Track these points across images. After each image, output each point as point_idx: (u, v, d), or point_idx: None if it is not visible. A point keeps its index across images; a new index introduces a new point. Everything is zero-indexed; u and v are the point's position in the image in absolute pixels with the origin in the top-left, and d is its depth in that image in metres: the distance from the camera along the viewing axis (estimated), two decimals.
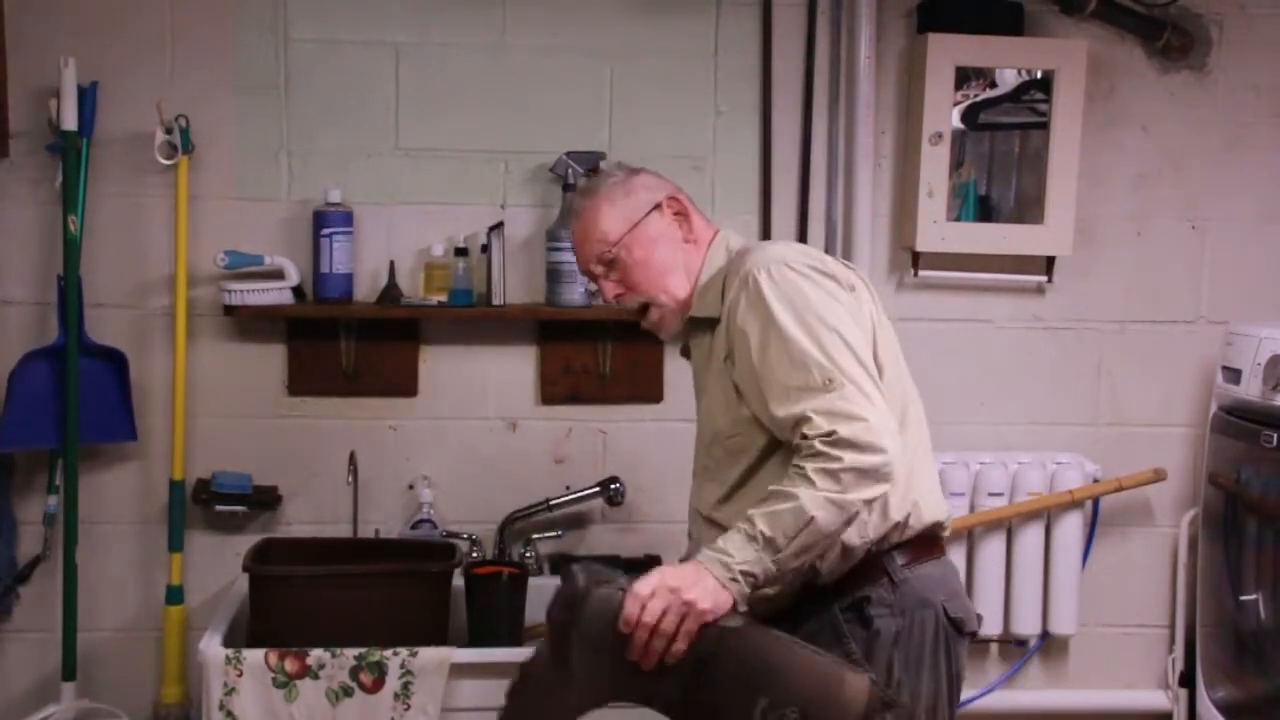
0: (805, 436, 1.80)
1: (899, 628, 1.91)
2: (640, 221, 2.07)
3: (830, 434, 1.78)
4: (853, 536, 1.89)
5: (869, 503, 1.83)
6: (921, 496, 1.96)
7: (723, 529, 1.85)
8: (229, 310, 2.96)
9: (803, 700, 1.72)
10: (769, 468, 1.92)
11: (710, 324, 2.02)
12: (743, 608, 1.80)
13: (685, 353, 2.18)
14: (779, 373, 1.86)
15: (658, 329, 2.13)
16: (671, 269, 2.07)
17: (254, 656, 2.53)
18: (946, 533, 2.02)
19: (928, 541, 1.98)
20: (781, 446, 1.90)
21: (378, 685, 2.54)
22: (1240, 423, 3.02)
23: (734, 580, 1.77)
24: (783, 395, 1.84)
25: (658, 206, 2.09)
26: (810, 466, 1.78)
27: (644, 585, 1.76)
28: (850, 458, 1.77)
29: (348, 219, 2.99)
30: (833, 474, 1.77)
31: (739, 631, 1.78)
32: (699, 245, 2.10)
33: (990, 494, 3.16)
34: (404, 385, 3.10)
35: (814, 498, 1.76)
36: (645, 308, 2.10)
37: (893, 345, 2.02)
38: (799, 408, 1.81)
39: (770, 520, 1.78)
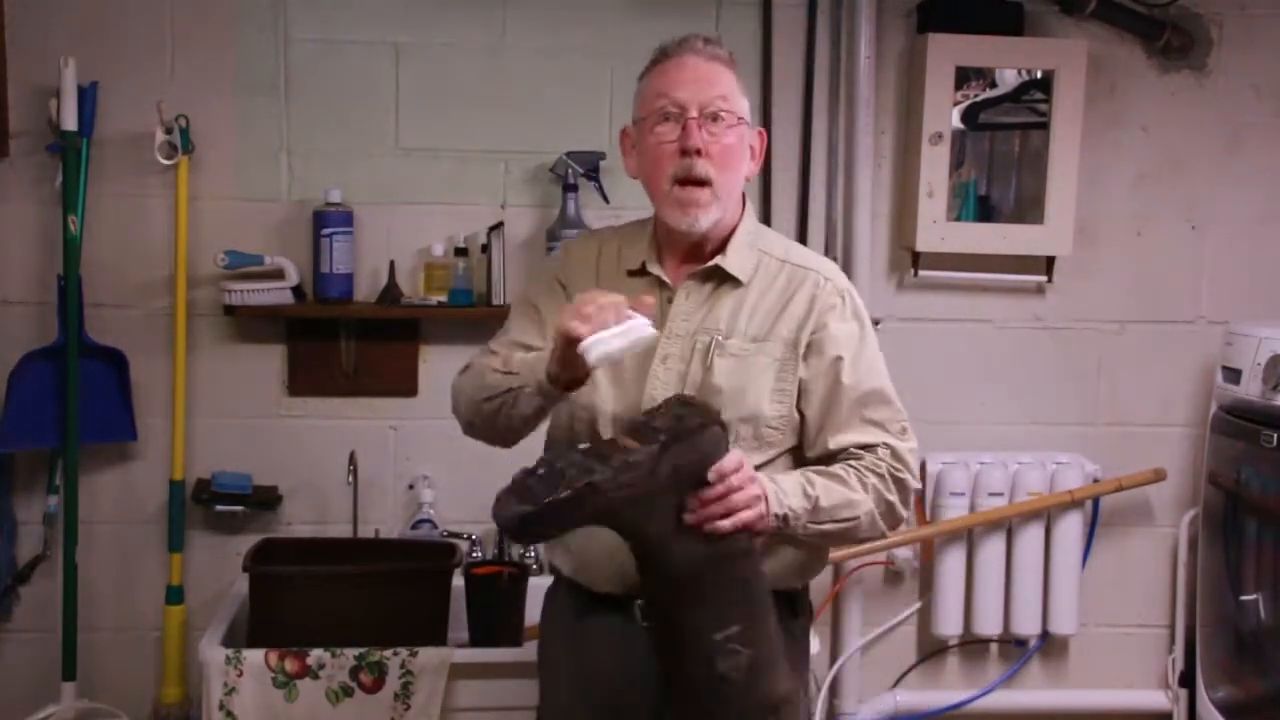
0: (874, 455, 1.92)
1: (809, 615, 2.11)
2: (745, 126, 1.95)
3: (899, 470, 1.93)
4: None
5: (883, 534, 1.98)
6: None
7: None
8: (229, 310, 2.96)
9: (757, 649, 1.78)
10: (781, 463, 1.96)
11: (725, 281, 1.96)
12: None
13: (639, 272, 1.99)
14: (864, 399, 1.93)
15: (697, 211, 1.90)
16: (739, 186, 1.97)
17: (254, 656, 2.53)
18: None
19: None
20: (798, 450, 1.97)
21: (378, 685, 2.54)
22: (1240, 423, 3.02)
23: (774, 515, 1.81)
24: (855, 420, 1.92)
25: (751, 128, 1.99)
26: (875, 479, 1.90)
27: (743, 457, 1.81)
28: (899, 502, 1.93)
29: (348, 219, 2.99)
30: (888, 503, 1.92)
31: (758, 557, 1.83)
32: (742, 190, 2.01)
33: (990, 494, 3.17)
34: (404, 385, 3.10)
35: (869, 508, 1.89)
36: (703, 184, 1.90)
37: None
38: (877, 438, 1.93)
39: (828, 494, 1.86)
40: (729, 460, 1.77)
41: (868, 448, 1.92)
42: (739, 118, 1.93)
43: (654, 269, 1.99)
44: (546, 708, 2.09)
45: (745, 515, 1.77)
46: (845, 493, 1.87)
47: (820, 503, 1.84)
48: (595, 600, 1.99)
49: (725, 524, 1.76)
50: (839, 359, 1.93)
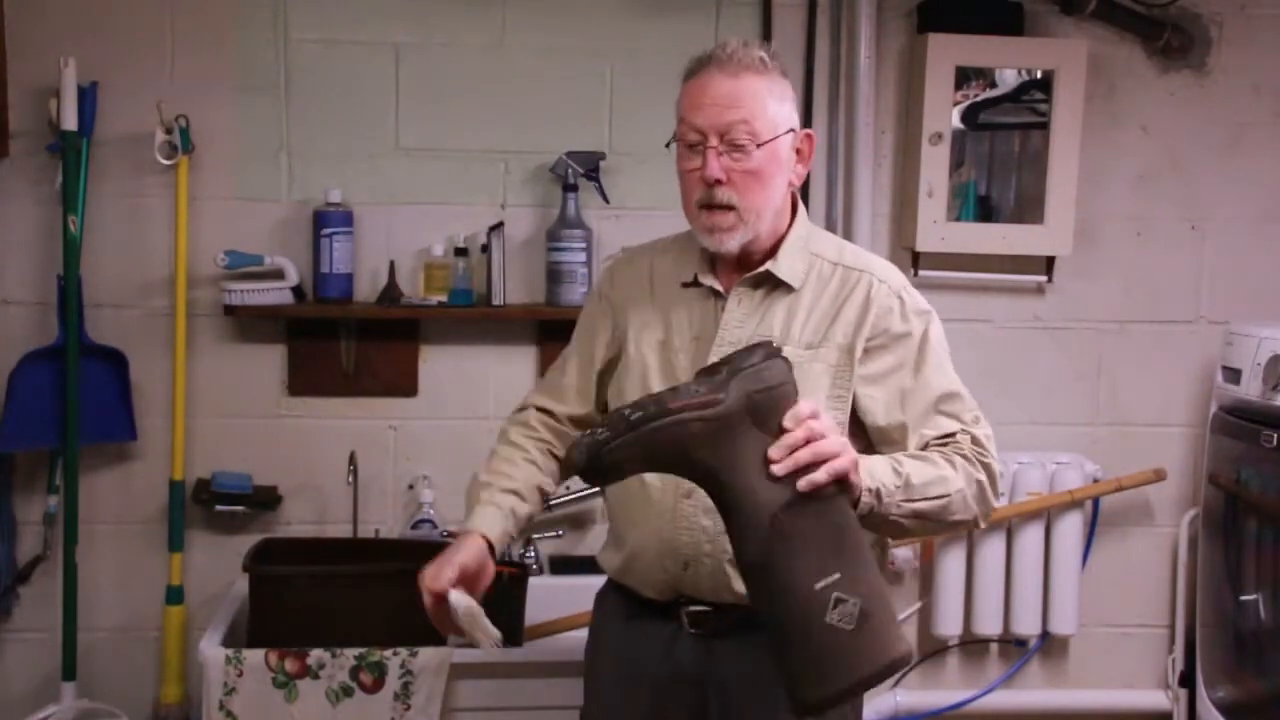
0: (958, 439, 1.87)
1: None
2: (781, 137, 1.89)
3: (982, 454, 1.88)
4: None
5: (976, 521, 1.89)
6: None
7: None
8: (229, 310, 2.96)
9: (866, 600, 1.63)
10: None
11: (777, 287, 1.94)
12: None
13: (693, 283, 1.99)
14: (936, 400, 1.89)
15: (721, 236, 1.89)
16: (771, 203, 1.91)
17: (254, 656, 2.53)
18: None
19: None
20: None
21: (378, 685, 2.54)
22: (1240, 423, 3.02)
23: (866, 489, 1.71)
24: (929, 417, 1.88)
25: (794, 132, 1.92)
26: (961, 460, 1.84)
27: (818, 406, 1.71)
28: (988, 484, 1.88)
29: (348, 219, 2.99)
30: (977, 483, 1.85)
31: (847, 506, 1.70)
32: (791, 194, 1.97)
33: None
34: (404, 385, 3.10)
35: (960, 485, 1.82)
36: (727, 208, 1.88)
37: None
38: (953, 427, 1.88)
39: (918, 471, 1.78)
40: (804, 406, 1.65)
41: (945, 438, 1.87)
42: (762, 141, 1.86)
43: (706, 280, 1.97)
44: (591, 710, 2.09)
45: (839, 464, 1.64)
46: (934, 470, 1.79)
47: (911, 479, 1.76)
48: (643, 605, 1.98)
49: (820, 475, 1.62)
50: (902, 365, 1.90)
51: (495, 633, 1.87)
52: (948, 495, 1.80)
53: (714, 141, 1.86)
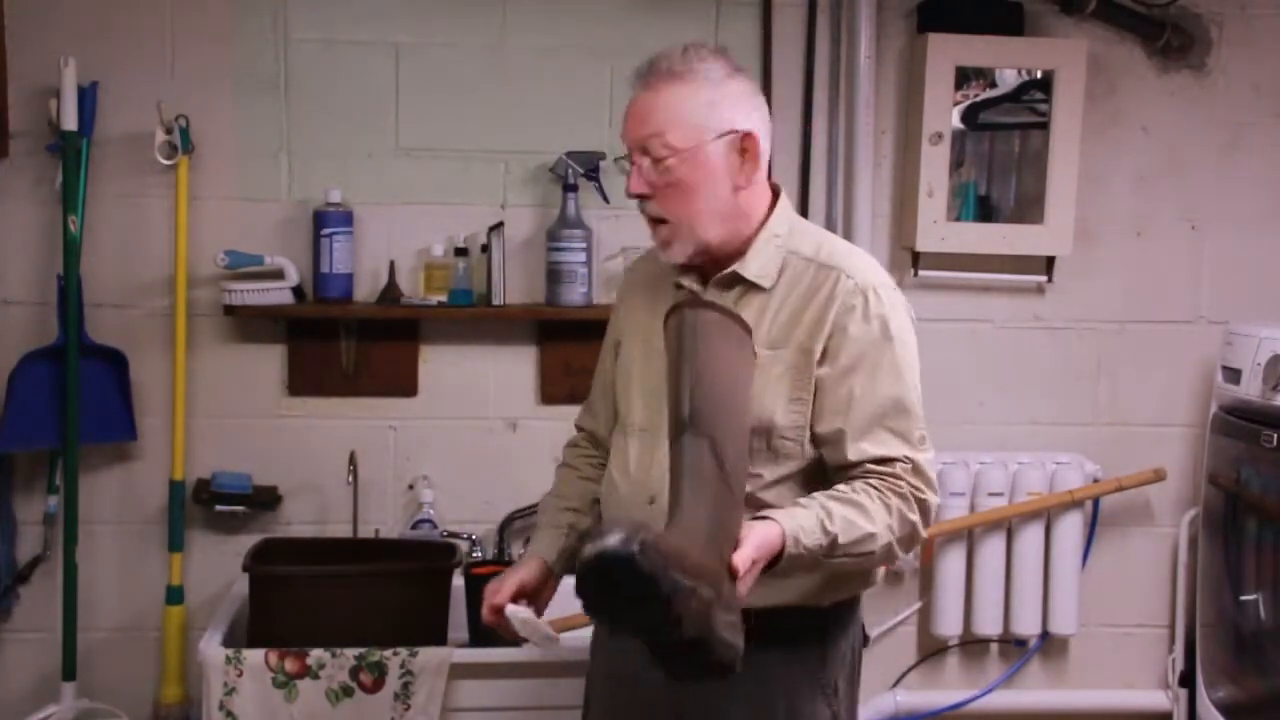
0: (899, 469, 1.84)
1: (851, 643, 2.03)
2: (707, 144, 1.85)
3: (920, 490, 1.85)
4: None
5: (896, 562, 1.95)
6: None
7: None
8: (229, 310, 2.96)
9: None
10: (797, 479, 1.89)
11: (750, 287, 1.91)
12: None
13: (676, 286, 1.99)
14: (882, 409, 1.86)
15: (664, 249, 1.91)
16: (710, 210, 1.88)
17: (254, 656, 2.53)
18: None
19: None
20: (818, 465, 1.90)
21: (378, 685, 2.54)
22: (1240, 423, 3.02)
23: (786, 556, 1.72)
24: (874, 429, 1.84)
25: (731, 134, 1.86)
26: (899, 501, 1.82)
27: (743, 557, 1.67)
28: (920, 523, 1.85)
29: (348, 219, 2.99)
30: (910, 525, 1.84)
31: None
32: (750, 195, 1.91)
33: (990, 494, 3.17)
34: (404, 385, 3.10)
35: (887, 540, 1.81)
36: (659, 221, 1.90)
37: None
38: (898, 450, 1.85)
39: (847, 529, 1.77)
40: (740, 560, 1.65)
41: (888, 461, 1.84)
42: (679, 151, 1.84)
43: (684, 281, 1.97)
44: (588, 708, 2.12)
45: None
46: (865, 526, 1.78)
47: (838, 540, 1.75)
48: None
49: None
50: (855, 367, 1.86)
51: (553, 635, 2.00)
52: (871, 551, 1.80)
53: (636, 157, 1.88)
